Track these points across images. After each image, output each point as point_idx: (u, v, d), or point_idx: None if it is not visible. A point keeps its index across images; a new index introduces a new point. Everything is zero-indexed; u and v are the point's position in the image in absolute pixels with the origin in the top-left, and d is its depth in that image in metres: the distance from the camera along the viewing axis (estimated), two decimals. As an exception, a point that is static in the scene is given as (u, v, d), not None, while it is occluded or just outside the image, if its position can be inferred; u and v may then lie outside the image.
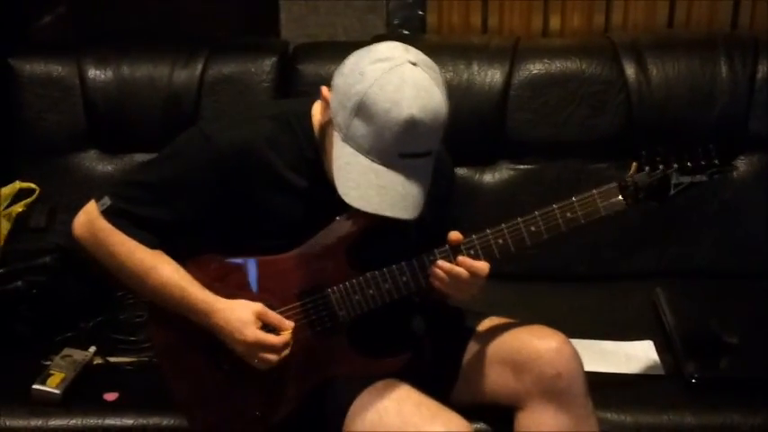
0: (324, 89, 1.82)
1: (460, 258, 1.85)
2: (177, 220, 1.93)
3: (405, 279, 1.90)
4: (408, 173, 1.75)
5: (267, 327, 1.90)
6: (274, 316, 1.91)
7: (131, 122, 2.73)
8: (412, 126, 1.70)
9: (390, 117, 1.69)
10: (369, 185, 1.74)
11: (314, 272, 1.93)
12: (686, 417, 2.12)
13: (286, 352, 1.89)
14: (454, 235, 1.87)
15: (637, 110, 2.67)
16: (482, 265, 1.85)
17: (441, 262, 1.86)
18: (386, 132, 1.71)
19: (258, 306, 1.90)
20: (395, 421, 1.82)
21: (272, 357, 1.88)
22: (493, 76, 2.69)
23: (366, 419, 1.85)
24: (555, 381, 1.90)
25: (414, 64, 1.73)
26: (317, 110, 1.91)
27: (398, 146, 1.72)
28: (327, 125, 1.82)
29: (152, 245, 1.94)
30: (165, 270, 1.93)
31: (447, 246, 1.87)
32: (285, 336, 1.89)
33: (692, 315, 2.41)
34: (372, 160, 1.74)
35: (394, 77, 1.70)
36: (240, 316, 1.89)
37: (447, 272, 1.85)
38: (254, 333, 1.87)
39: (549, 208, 1.87)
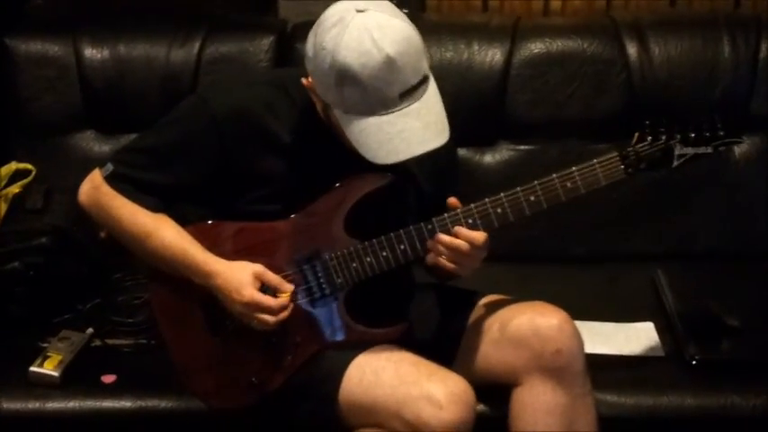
0: (305, 81, 1.84)
1: (456, 228, 1.86)
2: (178, 184, 1.96)
3: (403, 247, 1.90)
4: (418, 106, 1.76)
5: (267, 290, 1.90)
6: (273, 277, 1.91)
7: (128, 102, 2.72)
8: (392, 64, 1.70)
9: (369, 69, 1.70)
10: (389, 138, 1.75)
11: (313, 238, 1.95)
12: (686, 398, 2.12)
13: (284, 315, 1.90)
14: (452, 200, 1.88)
15: (638, 89, 2.65)
16: (478, 235, 1.85)
17: (438, 235, 1.86)
18: (374, 83, 1.71)
19: (258, 267, 1.91)
20: (392, 380, 1.85)
21: (269, 319, 1.89)
22: (493, 55, 2.67)
23: (363, 380, 1.88)
24: (554, 357, 1.91)
25: (362, 11, 1.73)
26: None
27: (392, 88, 1.73)
28: (326, 109, 1.83)
29: (154, 208, 1.97)
30: (167, 232, 1.95)
31: (445, 215, 1.87)
32: (283, 298, 1.90)
33: (692, 297, 2.40)
34: (379, 115, 1.75)
35: (352, 33, 1.71)
36: (239, 276, 1.90)
37: (445, 244, 1.86)
38: (251, 293, 1.88)
39: (549, 177, 1.87)
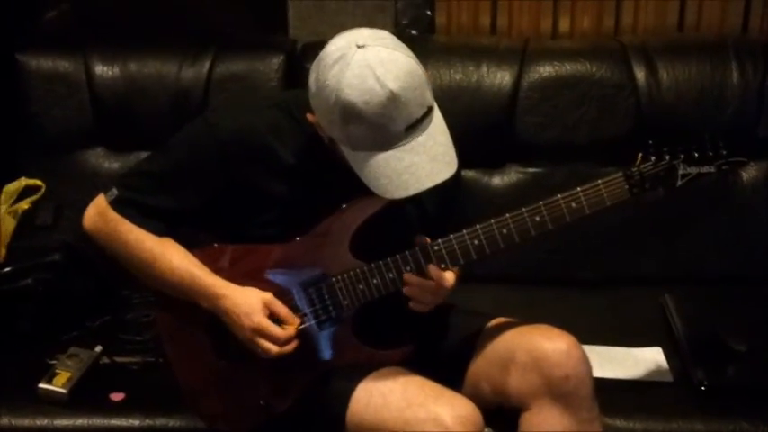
0: (309, 116, 1.84)
1: (429, 267, 1.86)
2: (184, 209, 1.96)
3: (409, 268, 1.90)
4: (424, 138, 1.76)
5: (275, 318, 1.90)
6: (282, 307, 1.92)
7: (138, 120, 2.72)
8: (396, 99, 1.70)
9: (374, 106, 1.70)
10: (398, 173, 1.75)
11: (319, 260, 1.94)
12: (695, 424, 2.12)
13: (288, 348, 1.90)
14: (422, 239, 1.89)
15: (646, 113, 2.65)
16: (448, 275, 1.87)
17: (407, 275, 1.87)
18: (380, 121, 1.71)
19: (268, 295, 1.91)
20: (399, 402, 1.84)
21: (273, 348, 1.89)
22: (502, 77, 2.68)
23: (370, 403, 1.88)
24: (562, 382, 1.90)
25: (362, 46, 1.73)
26: None
27: (398, 124, 1.73)
28: (333, 143, 1.83)
29: (160, 233, 1.97)
30: (174, 256, 1.95)
31: (451, 236, 1.88)
32: (289, 330, 1.90)
33: (701, 321, 2.40)
34: (386, 150, 1.75)
35: (354, 70, 1.71)
36: (249, 301, 1.90)
37: (417, 284, 1.87)
38: (259, 319, 1.88)
39: (554, 198, 1.88)
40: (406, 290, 1.89)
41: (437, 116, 1.80)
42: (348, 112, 1.72)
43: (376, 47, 1.73)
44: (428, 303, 1.90)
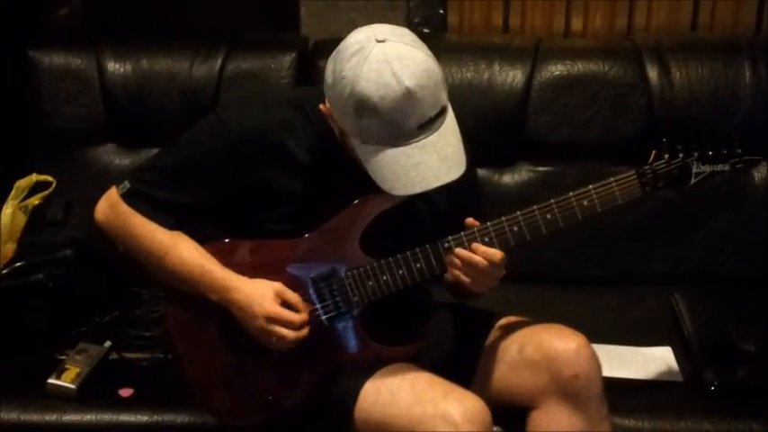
0: (322, 107, 1.84)
1: (474, 245, 1.85)
2: (195, 204, 1.96)
3: (419, 265, 1.90)
4: (435, 138, 1.76)
5: (285, 306, 1.91)
6: (293, 295, 1.92)
7: (150, 116, 2.73)
8: (411, 96, 1.70)
9: (389, 100, 1.70)
10: (406, 170, 1.75)
11: (329, 256, 1.94)
12: (704, 424, 2.11)
13: (302, 333, 1.90)
14: (470, 220, 1.88)
15: (659, 113, 2.64)
16: (495, 252, 1.85)
17: (457, 249, 1.86)
18: (394, 116, 1.71)
19: (278, 284, 1.92)
20: (408, 399, 1.84)
21: (289, 334, 1.88)
22: (514, 76, 2.67)
23: (378, 399, 1.87)
24: (572, 381, 1.90)
25: (382, 41, 1.73)
26: None
27: (411, 120, 1.73)
28: (343, 135, 1.83)
29: (171, 226, 1.97)
30: (184, 249, 1.96)
31: (461, 233, 1.87)
32: (303, 315, 1.91)
33: (711, 321, 2.39)
34: (397, 146, 1.75)
35: (372, 64, 1.71)
36: (260, 291, 1.90)
37: (462, 259, 1.85)
38: (271, 307, 1.88)
39: (566, 196, 1.87)
40: (452, 272, 1.88)
41: (450, 117, 1.80)
42: (362, 105, 1.72)
43: (395, 42, 1.73)
44: (484, 284, 1.89)
